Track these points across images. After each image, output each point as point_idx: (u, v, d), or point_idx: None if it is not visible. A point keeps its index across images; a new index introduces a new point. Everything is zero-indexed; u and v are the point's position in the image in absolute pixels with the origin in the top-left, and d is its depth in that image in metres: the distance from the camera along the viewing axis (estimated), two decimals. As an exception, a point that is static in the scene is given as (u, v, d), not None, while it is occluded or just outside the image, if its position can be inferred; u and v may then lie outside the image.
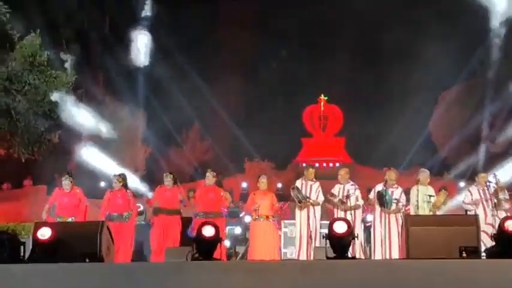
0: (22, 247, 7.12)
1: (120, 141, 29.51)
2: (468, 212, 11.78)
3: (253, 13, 39.45)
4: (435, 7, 34.27)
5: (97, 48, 31.59)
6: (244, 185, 30.04)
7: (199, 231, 6.91)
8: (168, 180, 11.85)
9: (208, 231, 6.86)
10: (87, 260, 7.07)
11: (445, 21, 34.12)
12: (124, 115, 32.09)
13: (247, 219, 15.40)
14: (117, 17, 30.79)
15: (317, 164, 38.89)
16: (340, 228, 6.84)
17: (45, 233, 6.77)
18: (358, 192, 11.93)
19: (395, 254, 10.90)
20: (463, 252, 7.16)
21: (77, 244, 7.03)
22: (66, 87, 20.52)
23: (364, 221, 12.88)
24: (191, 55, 33.77)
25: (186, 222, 12.05)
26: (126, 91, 30.70)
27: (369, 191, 12.54)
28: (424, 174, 11.96)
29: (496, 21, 26.42)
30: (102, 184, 25.32)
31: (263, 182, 11.74)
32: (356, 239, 7.48)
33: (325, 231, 10.70)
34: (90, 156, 23.28)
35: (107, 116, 30.41)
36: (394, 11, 34.81)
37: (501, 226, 6.92)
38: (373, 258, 12.13)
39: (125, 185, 11.70)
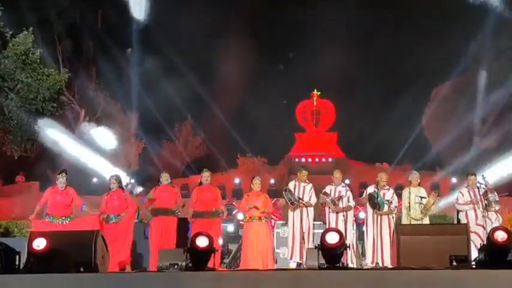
0: (17, 257, 7.16)
1: (112, 137, 29.57)
2: (460, 213, 11.85)
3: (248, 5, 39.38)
4: (428, 4, 34.31)
5: (89, 43, 31.52)
6: (236, 180, 30.11)
7: (193, 241, 6.97)
8: (164, 179, 11.85)
9: (201, 241, 6.92)
10: (82, 270, 7.11)
11: (438, 17, 34.21)
12: (116, 110, 32.09)
13: (240, 216, 15.47)
14: (110, 13, 30.66)
15: (310, 159, 39.07)
16: (332, 239, 6.90)
17: (40, 244, 6.80)
18: (349, 193, 11.97)
19: (387, 255, 10.97)
20: (453, 261, 7.24)
21: (71, 254, 7.07)
22: (59, 84, 20.53)
23: (356, 218, 12.92)
24: (183, 51, 33.72)
25: (182, 222, 12.12)
26: (118, 87, 30.64)
27: (361, 186, 12.59)
28: (415, 176, 12.02)
29: (488, 17, 26.52)
30: (95, 180, 25.33)
31: (257, 183, 11.74)
32: (348, 249, 7.53)
33: (318, 231, 10.87)
34: (82, 153, 23.32)
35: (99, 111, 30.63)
36: (387, 9, 34.88)
37: (490, 237, 7.00)
38: (364, 258, 12.27)
39: (121, 186, 11.73)
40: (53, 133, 21.42)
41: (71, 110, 29.04)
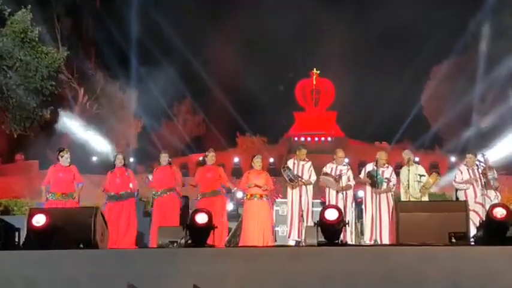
0: (17, 233, 7.17)
1: (112, 116, 29.57)
2: (459, 191, 11.87)
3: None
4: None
5: (88, 23, 31.38)
6: (236, 159, 30.13)
7: (192, 218, 6.98)
8: (163, 160, 11.88)
9: (201, 218, 6.93)
10: (82, 246, 7.13)
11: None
12: (115, 89, 32.02)
13: (239, 195, 15.49)
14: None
15: (309, 138, 39.08)
16: (331, 215, 6.91)
17: (39, 220, 6.81)
18: (350, 172, 11.95)
19: (386, 233, 10.99)
20: (452, 237, 7.26)
21: (71, 231, 7.08)
22: (57, 63, 20.48)
23: (355, 197, 12.93)
24: (183, 29, 33.60)
25: (184, 200, 12.19)
26: (117, 65, 30.55)
27: (360, 165, 12.57)
28: (407, 155, 12.00)
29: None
30: (94, 159, 25.34)
31: (258, 161, 11.73)
32: (347, 225, 7.55)
33: (317, 209, 10.89)
34: (82, 131, 23.33)
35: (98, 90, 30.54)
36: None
37: (489, 213, 7.00)
38: (363, 236, 12.31)
39: (125, 164, 11.77)
40: (52, 112, 21.44)
41: (70, 88, 28.96)
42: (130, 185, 11.55)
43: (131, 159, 27.07)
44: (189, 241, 7.05)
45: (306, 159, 12.09)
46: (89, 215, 7.35)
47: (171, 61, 32.61)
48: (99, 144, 23.53)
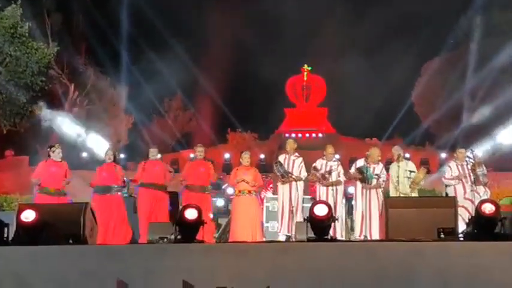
0: (6, 229, 7.14)
1: (102, 112, 29.48)
2: (448, 188, 11.92)
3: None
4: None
5: (79, 19, 31.24)
6: (226, 155, 30.14)
7: (181, 213, 6.98)
8: (151, 155, 11.89)
9: (190, 214, 6.94)
10: (71, 242, 7.12)
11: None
12: (106, 85, 31.94)
13: (230, 191, 15.54)
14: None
15: (300, 135, 39.10)
16: (320, 211, 6.93)
17: (28, 216, 6.78)
18: (340, 168, 12.01)
19: (376, 229, 11.05)
20: (441, 233, 7.29)
21: (60, 226, 7.06)
22: (47, 58, 20.40)
23: (346, 193, 12.98)
24: (174, 24, 33.55)
25: (172, 196, 12.19)
26: (108, 61, 30.46)
27: (351, 161, 12.61)
28: (397, 151, 12.04)
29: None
30: (85, 155, 25.28)
31: (245, 157, 11.79)
32: (337, 221, 7.58)
33: (307, 205, 10.92)
34: (73, 127, 23.25)
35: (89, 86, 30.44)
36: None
37: (478, 209, 7.04)
38: (353, 232, 12.35)
39: (114, 160, 11.80)
40: (42, 108, 21.36)
41: (60, 84, 28.83)
42: (119, 181, 11.58)
43: (122, 155, 27.03)
44: (179, 237, 7.05)
45: (297, 154, 12.14)
46: (78, 210, 7.35)
47: (162, 57, 32.53)
48: (89, 140, 23.45)
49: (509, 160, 24.38)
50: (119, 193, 11.59)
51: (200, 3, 38.47)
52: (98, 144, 21.00)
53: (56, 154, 11.10)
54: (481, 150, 14.66)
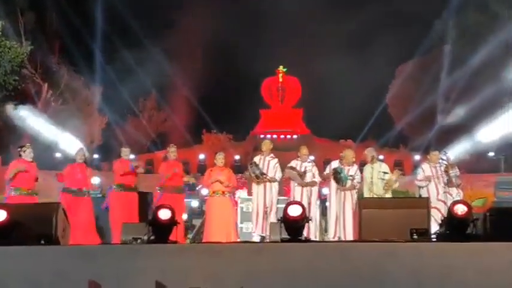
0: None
1: (76, 112, 29.25)
2: (421, 189, 12.02)
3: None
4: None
5: (52, 17, 30.97)
6: (201, 156, 30.10)
7: (155, 214, 6.94)
8: (123, 155, 11.83)
9: (164, 214, 6.90)
10: (43, 242, 7.04)
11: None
12: (80, 85, 31.71)
13: (204, 192, 15.51)
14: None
15: (275, 136, 39.19)
16: (294, 211, 6.93)
17: (-1, 216, 6.71)
18: (315, 169, 12.06)
19: (349, 230, 11.09)
20: (414, 234, 7.33)
21: (32, 226, 6.97)
22: (20, 57, 20.23)
23: (320, 194, 13.02)
24: (148, 24, 33.42)
25: (143, 197, 12.14)
26: (82, 61, 30.22)
27: (326, 162, 12.65)
28: (371, 153, 12.09)
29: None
30: (58, 155, 25.05)
31: (219, 158, 11.75)
32: (310, 221, 7.59)
33: (282, 206, 10.94)
34: (46, 127, 23.03)
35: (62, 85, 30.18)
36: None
37: (450, 210, 7.09)
38: (327, 233, 12.38)
39: (85, 161, 11.69)
40: (15, 107, 21.17)
41: (33, 83, 28.57)
42: (95, 181, 11.51)
43: (95, 156, 26.86)
44: (152, 237, 7.01)
45: (273, 155, 12.16)
46: (50, 210, 7.26)
47: (137, 57, 32.39)
48: (62, 140, 23.26)
49: (482, 162, 24.67)
50: (89, 195, 11.52)
51: (175, 2, 38.31)
52: (71, 145, 20.84)
53: (27, 154, 10.94)
54: (454, 152, 14.78)
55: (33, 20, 28.40)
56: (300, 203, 7.27)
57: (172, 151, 11.93)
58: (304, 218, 7.03)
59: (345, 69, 36.72)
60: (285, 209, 7.05)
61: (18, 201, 10.28)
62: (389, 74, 37.14)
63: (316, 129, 41.53)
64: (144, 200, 12.16)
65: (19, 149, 11.12)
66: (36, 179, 10.94)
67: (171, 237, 7.05)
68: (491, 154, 28.42)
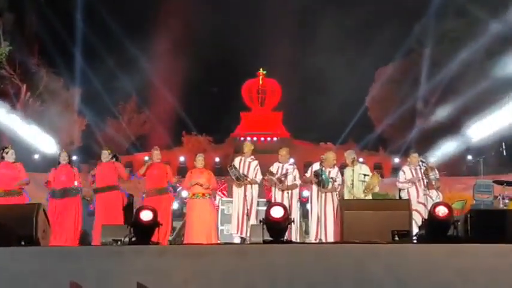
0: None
1: (55, 113, 29.07)
2: (402, 191, 12.08)
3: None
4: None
5: (32, 19, 30.77)
6: (181, 158, 30.04)
7: (136, 215, 6.91)
8: (103, 157, 11.80)
9: (145, 215, 6.87)
10: (23, 243, 6.99)
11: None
12: (59, 86, 31.54)
13: (184, 194, 15.46)
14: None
15: (255, 138, 39.21)
16: (277, 213, 6.94)
17: (-21, 216, 6.67)
18: (296, 172, 12.06)
19: (331, 233, 11.09)
20: (395, 235, 7.36)
21: (12, 227, 6.93)
22: None
23: (301, 196, 13.02)
24: (129, 27, 33.29)
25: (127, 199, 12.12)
26: (61, 62, 30.08)
27: (306, 165, 12.66)
28: (351, 155, 12.12)
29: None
30: (36, 157, 24.90)
31: (199, 160, 11.76)
32: (292, 223, 7.60)
33: (262, 208, 10.94)
34: (25, 128, 22.85)
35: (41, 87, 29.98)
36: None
37: (431, 212, 7.13)
38: (308, 236, 12.40)
39: (70, 162, 11.65)
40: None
41: (12, 84, 28.38)
42: (76, 183, 11.46)
43: (74, 157, 26.65)
44: (134, 239, 6.98)
45: (253, 157, 12.16)
46: (31, 211, 7.22)
47: (116, 59, 32.26)
48: (41, 141, 23.10)
49: (461, 165, 24.85)
50: (78, 194, 11.50)
51: (155, 5, 38.19)
52: (49, 146, 20.71)
53: (10, 155, 10.95)
54: (433, 155, 14.92)
55: (12, 21, 28.21)
56: (282, 205, 7.27)
57: (156, 154, 11.91)
58: (286, 220, 7.04)
59: (326, 72, 36.84)
60: (267, 211, 7.05)
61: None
62: (369, 76, 37.31)
63: (296, 131, 41.62)
64: (129, 201, 12.13)
65: (1, 151, 11.09)
66: (17, 179, 10.89)
67: (153, 239, 7.03)
68: (469, 157, 28.65)
